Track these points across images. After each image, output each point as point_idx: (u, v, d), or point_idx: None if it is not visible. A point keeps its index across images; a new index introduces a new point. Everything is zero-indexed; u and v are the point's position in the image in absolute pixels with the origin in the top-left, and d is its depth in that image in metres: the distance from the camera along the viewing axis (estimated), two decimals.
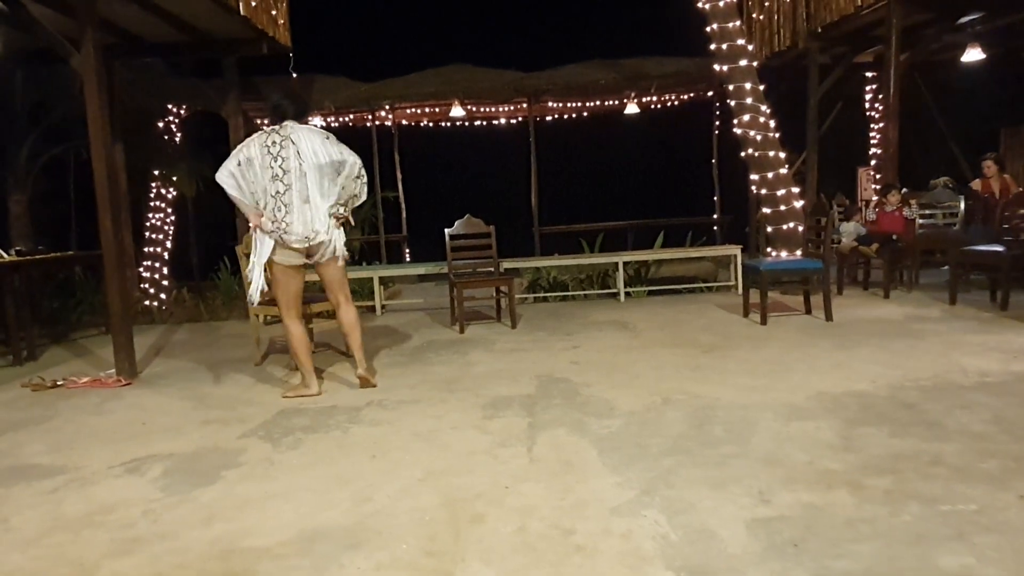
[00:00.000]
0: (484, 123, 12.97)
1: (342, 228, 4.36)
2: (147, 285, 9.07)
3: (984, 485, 2.59)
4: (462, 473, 2.98)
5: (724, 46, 7.72)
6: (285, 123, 4.21)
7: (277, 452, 3.38)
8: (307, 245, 4.21)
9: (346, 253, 4.42)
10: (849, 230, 8.06)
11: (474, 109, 12.37)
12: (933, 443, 3.03)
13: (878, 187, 8.53)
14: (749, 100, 7.61)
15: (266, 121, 12.21)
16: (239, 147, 4.19)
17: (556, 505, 2.61)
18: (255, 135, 4.22)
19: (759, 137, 7.56)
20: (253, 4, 7.17)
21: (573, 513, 2.54)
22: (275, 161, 4.10)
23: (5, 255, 6.22)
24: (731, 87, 7.74)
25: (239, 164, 4.10)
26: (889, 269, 7.11)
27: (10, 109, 9.00)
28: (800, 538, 2.27)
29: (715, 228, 12.40)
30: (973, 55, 9.00)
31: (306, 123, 4.32)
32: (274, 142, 4.12)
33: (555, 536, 2.38)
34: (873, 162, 10.97)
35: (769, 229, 7.56)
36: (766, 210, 7.60)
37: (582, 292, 8.22)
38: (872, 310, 6.41)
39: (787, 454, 2.99)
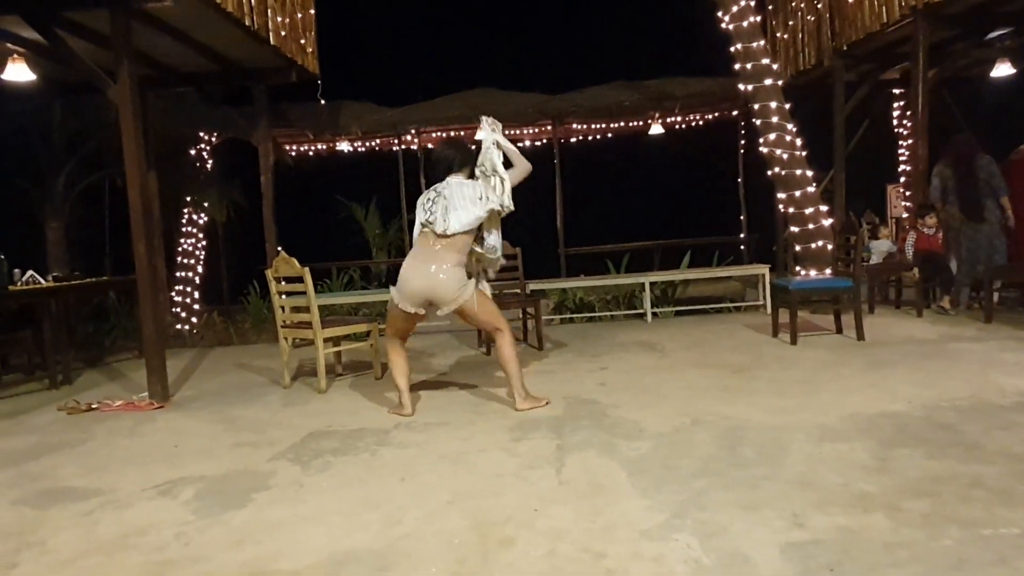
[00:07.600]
0: None
1: None
2: (179, 309, 9.22)
3: None
4: (491, 496, 2.97)
5: (749, 65, 7.71)
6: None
7: (307, 475, 3.40)
8: None
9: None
10: (881, 248, 7.94)
11: None
12: (972, 465, 2.96)
13: (908, 205, 8.38)
14: (775, 119, 7.59)
15: (291, 148, 12.38)
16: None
17: (586, 528, 2.59)
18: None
19: (785, 156, 7.52)
20: (283, 34, 7.33)
21: (603, 536, 2.51)
22: None
23: (42, 281, 6.37)
24: (756, 106, 7.72)
25: None
26: (923, 288, 6.98)
27: (49, 139, 9.28)
28: (836, 562, 2.22)
29: (742, 247, 12.31)
30: (1003, 70, 8.90)
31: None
32: None
33: (585, 560, 2.35)
34: (902, 179, 10.83)
35: (797, 248, 7.49)
36: (794, 229, 7.53)
37: (609, 313, 8.19)
38: (905, 329, 6.30)
39: (821, 476, 2.93)
